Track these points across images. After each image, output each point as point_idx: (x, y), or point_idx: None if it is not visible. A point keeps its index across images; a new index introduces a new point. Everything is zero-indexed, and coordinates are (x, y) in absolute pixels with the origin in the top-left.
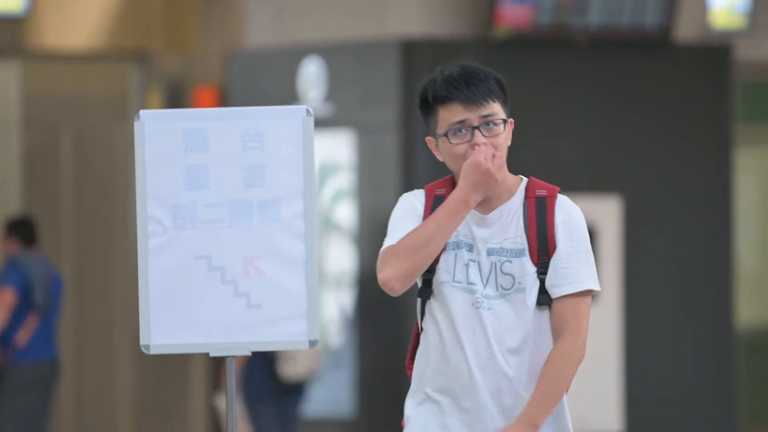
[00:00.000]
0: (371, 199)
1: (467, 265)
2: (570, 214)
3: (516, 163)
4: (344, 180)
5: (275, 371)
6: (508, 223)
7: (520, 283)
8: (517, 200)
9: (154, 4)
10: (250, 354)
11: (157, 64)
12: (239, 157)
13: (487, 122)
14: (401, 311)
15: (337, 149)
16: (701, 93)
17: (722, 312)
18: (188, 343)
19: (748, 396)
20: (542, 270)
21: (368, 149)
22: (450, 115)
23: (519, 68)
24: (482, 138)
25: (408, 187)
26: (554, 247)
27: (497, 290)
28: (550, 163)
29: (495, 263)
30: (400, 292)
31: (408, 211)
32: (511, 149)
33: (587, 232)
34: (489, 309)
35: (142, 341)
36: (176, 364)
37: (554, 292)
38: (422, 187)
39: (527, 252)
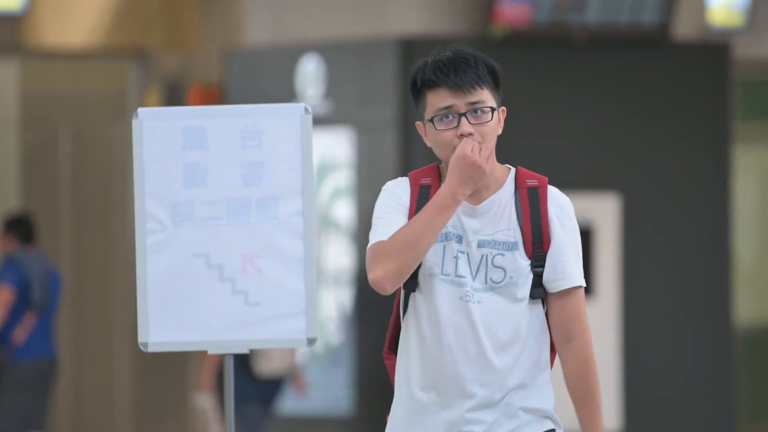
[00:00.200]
0: (370, 197)
1: (456, 257)
2: (562, 206)
3: (514, 161)
4: (343, 178)
5: (251, 368)
6: (500, 214)
7: (511, 277)
8: (507, 190)
9: (153, 2)
10: (248, 351)
11: (156, 62)
12: (238, 155)
13: (475, 109)
14: None
15: (336, 147)
16: (700, 91)
17: (721, 311)
18: (186, 341)
19: (747, 395)
20: (536, 263)
21: (367, 147)
22: (437, 100)
23: (517, 66)
24: (468, 126)
25: None
26: (548, 240)
27: (486, 283)
28: (549, 160)
29: (486, 255)
30: (392, 291)
31: (393, 201)
32: (509, 147)
33: (577, 224)
34: (479, 302)
35: (140, 339)
36: (175, 362)
37: (553, 287)
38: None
39: (520, 245)
